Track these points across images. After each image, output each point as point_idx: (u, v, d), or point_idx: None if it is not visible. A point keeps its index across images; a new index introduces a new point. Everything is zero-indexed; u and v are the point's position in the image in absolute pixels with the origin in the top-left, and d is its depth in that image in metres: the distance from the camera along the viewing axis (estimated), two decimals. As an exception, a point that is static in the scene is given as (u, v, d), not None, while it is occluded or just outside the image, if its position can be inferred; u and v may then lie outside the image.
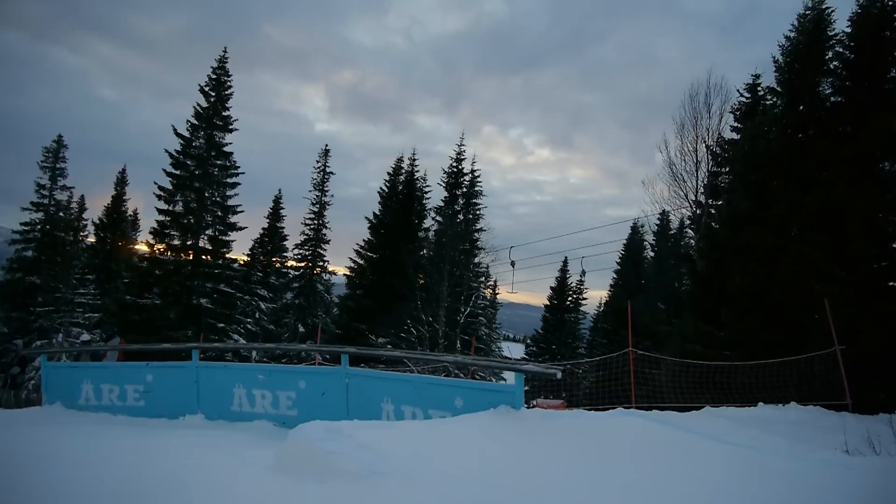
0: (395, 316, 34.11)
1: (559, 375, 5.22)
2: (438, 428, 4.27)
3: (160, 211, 29.42)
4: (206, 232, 29.86)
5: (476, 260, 37.94)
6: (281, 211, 49.59)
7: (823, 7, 17.03)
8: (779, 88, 17.22)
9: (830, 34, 16.75)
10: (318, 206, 50.01)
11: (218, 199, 30.02)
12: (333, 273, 50.41)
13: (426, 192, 39.78)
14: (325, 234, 50.61)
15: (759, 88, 23.05)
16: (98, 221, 43.70)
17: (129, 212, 46.24)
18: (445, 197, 38.80)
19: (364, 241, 39.20)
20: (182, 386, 7.02)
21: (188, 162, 29.45)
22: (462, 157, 39.25)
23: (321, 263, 50.53)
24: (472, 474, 3.53)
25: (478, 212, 38.93)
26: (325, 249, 50.54)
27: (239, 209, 30.83)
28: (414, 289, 35.78)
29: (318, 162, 49.93)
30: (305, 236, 49.79)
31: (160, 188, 29.34)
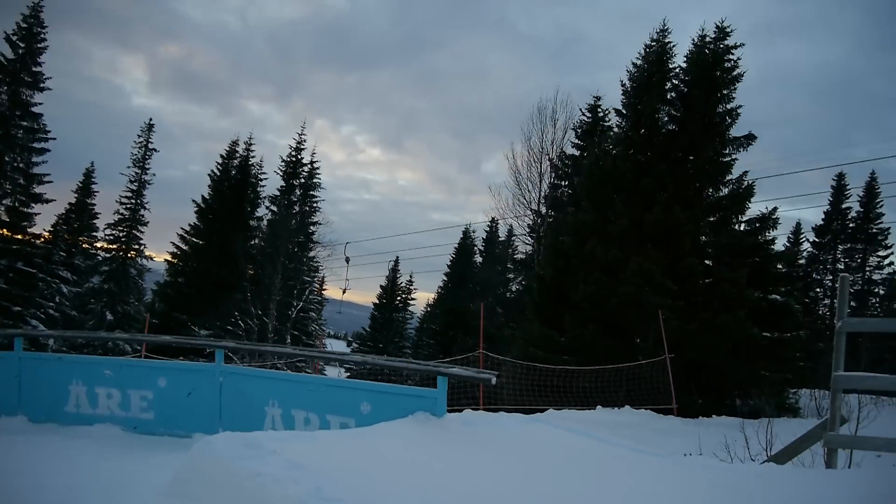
0: (220, 307, 32.20)
1: (494, 381, 4.81)
2: (362, 439, 3.75)
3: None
4: (4, 201, 26.18)
5: (311, 254, 36.82)
6: (93, 186, 44.93)
7: (666, 41, 18.48)
8: (624, 111, 18.41)
9: (671, 67, 18.21)
10: (136, 183, 45.91)
11: (21, 165, 26.43)
12: (150, 258, 46.75)
13: (262, 180, 38.06)
14: (143, 216, 46.73)
15: (599, 109, 24.57)
16: None
17: None
18: (282, 186, 37.32)
19: (190, 225, 36.65)
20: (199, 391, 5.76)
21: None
22: (302, 148, 38.05)
23: (136, 246, 46.59)
24: (423, 497, 3.05)
25: (315, 204, 37.86)
26: (141, 232, 46.71)
27: (46, 178, 27.42)
28: (243, 279, 34.05)
29: (139, 137, 45.71)
30: (120, 216, 45.36)
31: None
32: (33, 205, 27.19)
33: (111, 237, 44.26)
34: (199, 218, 36.44)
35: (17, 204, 26.40)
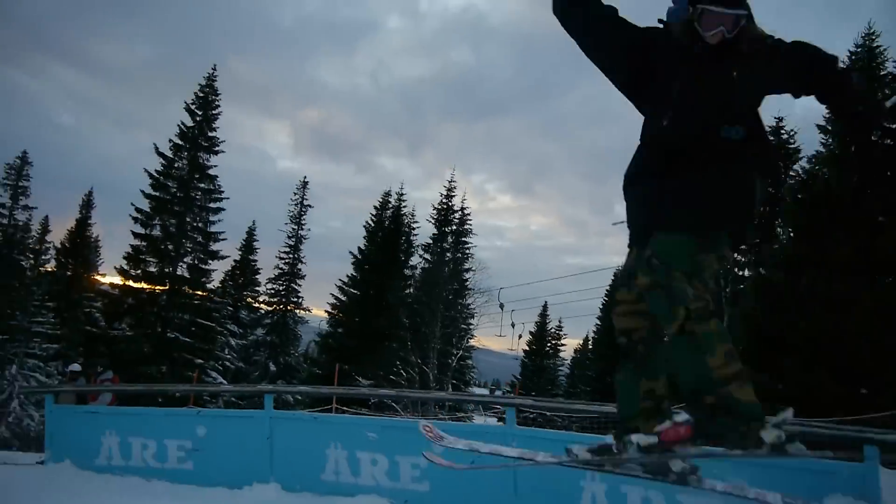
0: (380, 356, 32.26)
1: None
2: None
3: (136, 235, 27.22)
4: (185, 259, 27.69)
5: (467, 301, 36.29)
6: (254, 243, 47.22)
7: (874, 45, 16.32)
8: (829, 126, 16.32)
9: (882, 74, 16.02)
10: (293, 238, 48.02)
11: (199, 224, 27.94)
12: (308, 310, 48.28)
13: (414, 230, 38.29)
14: (300, 269, 48.59)
15: (782, 131, 22.31)
16: (60, 246, 40.86)
17: (93, 238, 43.47)
18: (434, 234, 37.29)
19: (348, 276, 37.31)
20: (248, 443, 5.19)
21: (169, 183, 27.42)
22: (452, 194, 37.97)
23: (295, 299, 48.31)
24: None
25: (467, 250, 37.50)
26: (299, 285, 48.45)
27: (221, 236, 28.81)
28: (401, 328, 34.07)
29: (295, 194, 48.13)
30: (280, 270, 47.58)
31: (137, 210, 27.20)
32: (210, 262, 28.53)
33: (272, 291, 46.34)
34: (356, 269, 37.04)
35: (196, 262, 27.82)
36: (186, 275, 27.50)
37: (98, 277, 42.14)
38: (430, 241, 37.00)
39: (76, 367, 13.79)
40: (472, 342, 37.22)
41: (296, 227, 48.19)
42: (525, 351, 54.66)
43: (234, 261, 44.48)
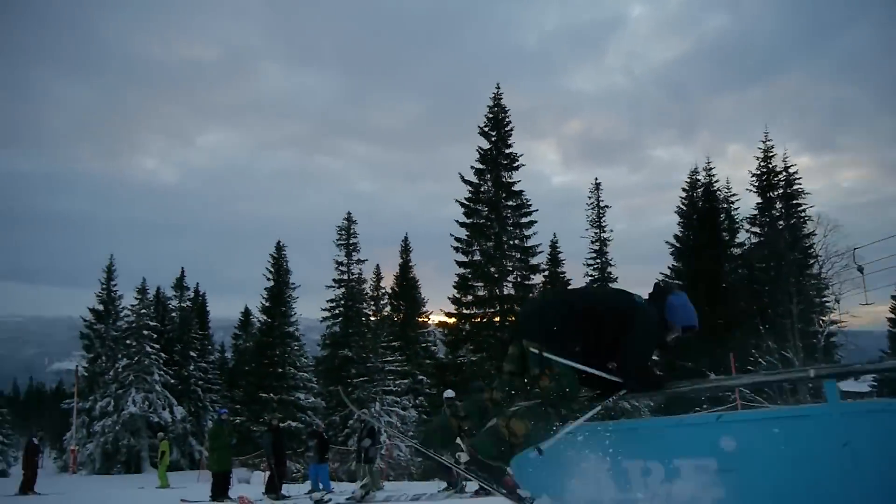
0: (728, 349, 28.99)
1: None
2: None
3: (459, 263, 28.12)
4: (508, 279, 27.79)
5: (815, 270, 31.25)
6: (559, 255, 46.71)
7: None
8: None
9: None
10: (597, 243, 46.66)
11: (516, 241, 27.92)
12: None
13: (734, 203, 34.38)
14: (610, 273, 46.93)
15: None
16: (390, 291, 44.65)
17: (415, 279, 46.74)
18: (759, 203, 32.95)
19: (670, 268, 34.68)
20: (808, 456, 3.57)
21: (479, 208, 27.89)
22: (770, 155, 33.28)
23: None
24: None
25: (802, 213, 32.38)
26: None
27: (538, 249, 28.47)
28: (744, 314, 30.53)
29: (589, 198, 46.85)
30: (590, 277, 46.60)
31: (456, 239, 28.10)
32: (532, 276, 28.32)
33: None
34: (678, 258, 34.29)
35: (519, 278, 27.78)
36: (512, 292, 27.50)
37: (425, 314, 45.19)
38: (755, 213, 32.82)
39: (450, 392, 13.84)
40: (834, 317, 31.68)
41: (597, 230, 46.94)
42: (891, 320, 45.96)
43: (544, 276, 44.65)
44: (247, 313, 61.65)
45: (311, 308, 68.90)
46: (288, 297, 38.77)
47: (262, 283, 39.69)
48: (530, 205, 28.25)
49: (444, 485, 14.27)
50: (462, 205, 28.03)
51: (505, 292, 27.43)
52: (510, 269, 27.74)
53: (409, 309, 44.78)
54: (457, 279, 28.10)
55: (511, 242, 27.86)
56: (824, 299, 31.88)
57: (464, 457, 4.34)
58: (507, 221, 27.72)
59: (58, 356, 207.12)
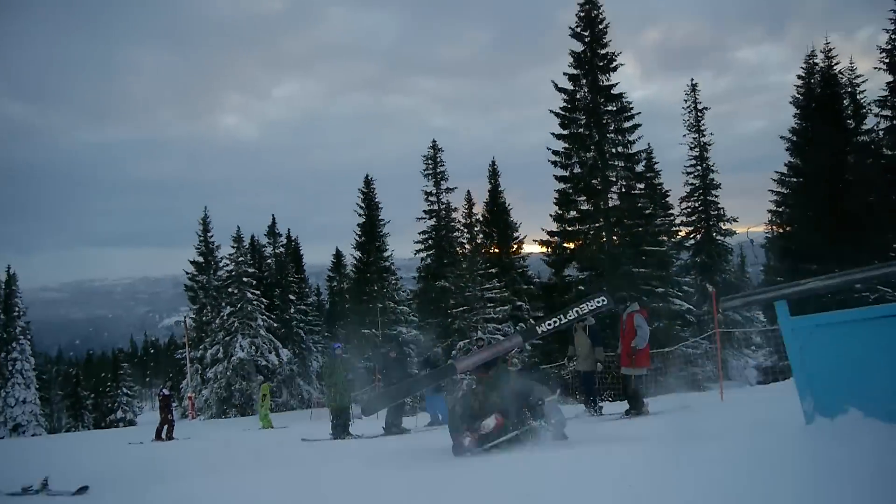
0: (856, 245, 26.42)
1: None
2: None
3: (559, 178, 26.33)
4: (612, 189, 25.87)
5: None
6: (655, 165, 44.01)
7: None
8: None
9: None
10: (696, 148, 43.59)
11: (619, 149, 25.83)
12: (734, 219, 43.39)
13: (859, 86, 30.72)
14: (713, 179, 43.92)
15: None
16: (481, 218, 43.33)
17: (506, 203, 45.13)
18: (889, 82, 29.23)
19: (786, 164, 31.65)
20: None
21: (576, 116, 25.86)
22: (902, 23, 29.18)
23: (715, 212, 43.79)
24: None
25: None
26: (716, 196, 43.81)
27: (642, 156, 26.28)
28: (869, 207, 27.76)
29: (685, 101, 43.55)
30: (691, 186, 43.72)
31: (553, 153, 26.26)
32: (638, 185, 26.31)
33: (688, 210, 42.68)
34: (794, 153, 31.18)
35: (625, 189, 25.82)
36: (618, 203, 25.64)
37: (518, 240, 43.75)
38: (886, 93, 29.20)
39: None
40: None
41: (696, 134, 43.78)
42: None
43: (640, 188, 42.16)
44: (338, 255, 62.10)
45: (402, 248, 68.92)
46: (380, 231, 38.16)
47: (351, 225, 39.20)
48: (631, 107, 25.97)
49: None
50: (557, 115, 26.03)
51: (610, 204, 25.52)
52: (613, 179, 25.73)
53: (502, 235, 43.49)
54: (556, 195, 26.39)
55: (613, 150, 25.77)
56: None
57: None
58: (607, 128, 25.58)
59: (167, 312, 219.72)
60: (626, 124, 25.79)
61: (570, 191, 25.98)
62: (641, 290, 23.98)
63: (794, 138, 30.89)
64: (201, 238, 48.39)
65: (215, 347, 41.50)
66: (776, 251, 31.76)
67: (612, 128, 25.67)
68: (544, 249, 27.11)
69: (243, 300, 41.11)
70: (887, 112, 29.41)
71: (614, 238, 24.61)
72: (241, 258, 42.46)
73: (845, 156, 29.83)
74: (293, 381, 44.64)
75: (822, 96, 30.58)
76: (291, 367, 44.29)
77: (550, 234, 26.48)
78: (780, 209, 31.59)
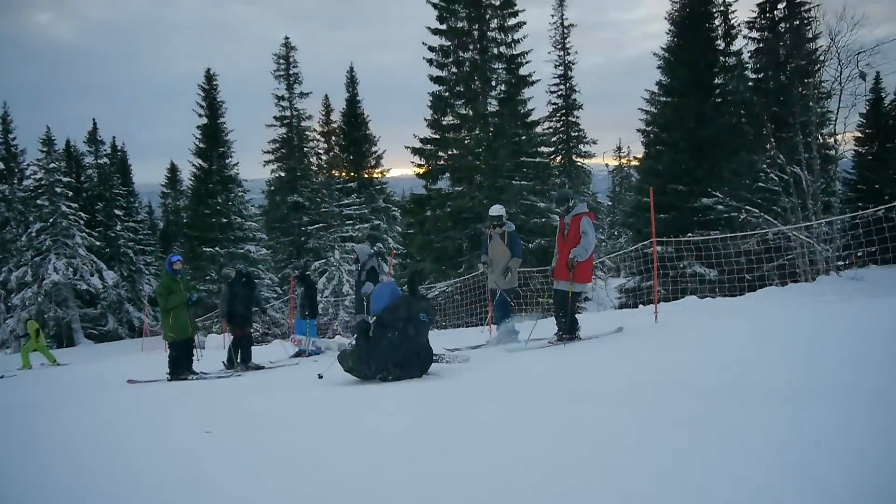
0: (728, 168, 26.48)
1: None
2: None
3: (434, 79, 23.60)
4: (492, 94, 23.62)
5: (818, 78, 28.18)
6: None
7: None
8: None
9: None
10: (561, 66, 42.61)
11: (503, 49, 23.46)
12: (593, 141, 43.34)
13: (731, 5, 30.31)
14: (575, 100, 43.39)
15: None
16: (338, 129, 39.68)
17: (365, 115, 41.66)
18: (760, 3, 29.02)
19: (658, 83, 31.01)
20: None
21: (456, 7, 23.01)
22: (771, -53, 28.96)
23: (576, 132, 43.47)
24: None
25: (807, 13, 28.77)
26: (577, 117, 43.45)
27: (526, 59, 24.12)
28: (734, 128, 28.01)
29: (552, 17, 42.15)
30: (553, 105, 42.81)
31: (430, 49, 23.41)
32: (524, 90, 24.27)
33: (550, 130, 41.86)
34: (666, 71, 30.56)
35: (506, 94, 23.60)
36: (498, 109, 23.49)
37: (376, 153, 40.83)
38: (755, 15, 29.05)
39: (498, 209, 10.19)
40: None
41: (562, 52, 42.72)
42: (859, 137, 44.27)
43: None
44: (173, 169, 55.73)
45: (248, 170, 63.03)
46: (224, 136, 33.45)
47: (188, 143, 33.89)
48: (515, 3, 23.54)
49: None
50: (435, 5, 23.04)
51: (490, 110, 23.31)
52: (494, 84, 23.46)
53: (359, 149, 40.33)
54: (431, 99, 23.71)
55: (495, 51, 23.38)
56: (827, 110, 29.19)
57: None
58: (489, 24, 23.06)
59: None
60: (511, 21, 23.37)
61: (447, 94, 23.38)
62: (521, 204, 22.28)
63: (666, 55, 30.24)
64: (0, 140, 40.67)
65: (22, 269, 35.31)
66: (644, 171, 31.50)
67: (494, 24, 23.16)
68: (415, 162, 24.53)
69: (57, 214, 35.06)
70: (755, 34, 29.42)
71: (494, 147, 22.44)
72: (52, 164, 35.99)
73: (714, 76, 29.70)
74: (121, 306, 39.45)
75: (695, 14, 30.01)
76: (118, 292, 39.02)
77: (423, 140, 23.85)
78: (650, 128, 31.14)
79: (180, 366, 10.29)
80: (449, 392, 5.39)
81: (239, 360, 11.30)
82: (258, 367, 11.19)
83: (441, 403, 4.92)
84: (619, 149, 59.74)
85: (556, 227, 9.23)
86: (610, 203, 56.88)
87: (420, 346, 6.36)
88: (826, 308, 8.34)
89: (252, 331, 11.80)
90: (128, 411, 6.91)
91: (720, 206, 26.20)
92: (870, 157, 39.43)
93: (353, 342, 6.77)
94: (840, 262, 20.54)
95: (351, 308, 28.86)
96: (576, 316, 8.86)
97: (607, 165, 55.60)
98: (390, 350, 6.20)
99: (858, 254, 17.32)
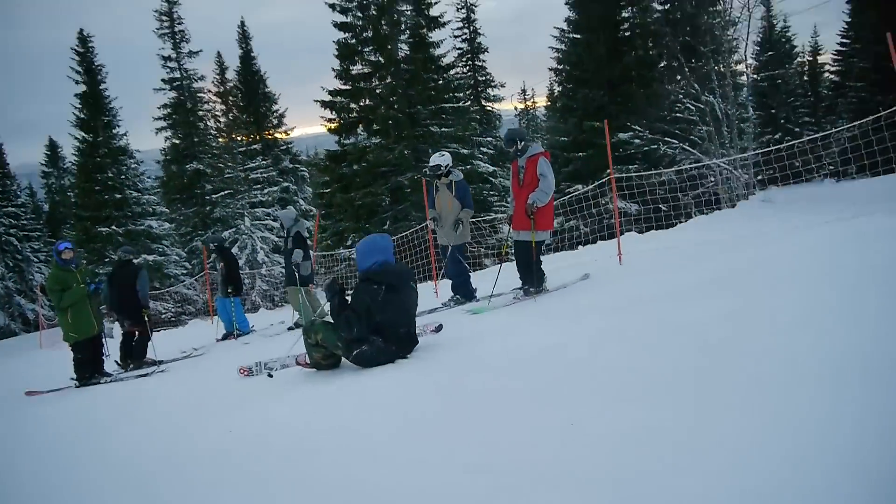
0: (641, 101, 26.32)
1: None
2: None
3: (339, 26, 21.90)
4: (402, 39, 22.20)
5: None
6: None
7: None
8: None
9: None
10: (463, 9, 41.19)
11: (408, -11, 21.97)
12: (501, 85, 42.36)
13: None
14: (480, 43, 42.14)
15: None
16: (234, 88, 36.96)
17: (261, 72, 39.02)
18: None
19: (566, 21, 30.27)
20: None
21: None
22: None
23: (483, 76, 42.41)
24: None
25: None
26: (482, 61, 42.28)
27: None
28: (644, 60, 28.03)
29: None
30: (458, 50, 41.49)
31: (331, -8, 21.66)
32: (432, 32, 22.93)
33: (459, 76, 40.65)
34: (575, 7, 29.85)
35: (416, 38, 22.25)
36: (407, 53, 22.13)
37: (277, 112, 38.63)
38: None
39: (442, 158, 9.16)
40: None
41: (463, -4, 41.26)
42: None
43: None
44: (53, 146, 51.06)
45: (141, 139, 58.37)
46: (107, 104, 30.35)
47: (64, 114, 30.50)
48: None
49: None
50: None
51: (400, 55, 21.92)
52: (403, 27, 22.02)
53: (257, 108, 37.93)
54: (337, 47, 22.05)
55: (402, -9, 21.88)
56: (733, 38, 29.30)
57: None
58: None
59: None
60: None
61: (353, 41, 21.77)
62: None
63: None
64: None
65: None
66: (559, 111, 31.03)
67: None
68: (325, 117, 22.92)
69: (-80, 204, 31.22)
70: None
71: (410, 94, 21.16)
72: None
73: (621, 9, 29.37)
74: (11, 300, 35.98)
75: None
76: (6, 284, 35.51)
77: (333, 93, 22.21)
78: (561, 66, 30.56)
79: (88, 368, 8.81)
80: (445, 378, 4.38)
81: (131, 358, 10.06)
82: (154, 363, 9.85)
83: (444, 394, 3.92)
84: (524, 91, 59.27)
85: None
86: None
87: (412, 319, 5.28)
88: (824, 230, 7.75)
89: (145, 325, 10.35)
90: (34, 438, 5.53)
91: (637, 140, 26.09)
92: (764, 83, 40.67)
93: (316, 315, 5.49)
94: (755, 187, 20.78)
95: (269, 277, 27.37)
96: (542, 267, 8.05)
97: (516, 108, 55.16)
98: (396, 314, 4.95)
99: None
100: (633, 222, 19.28)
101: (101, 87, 30.26)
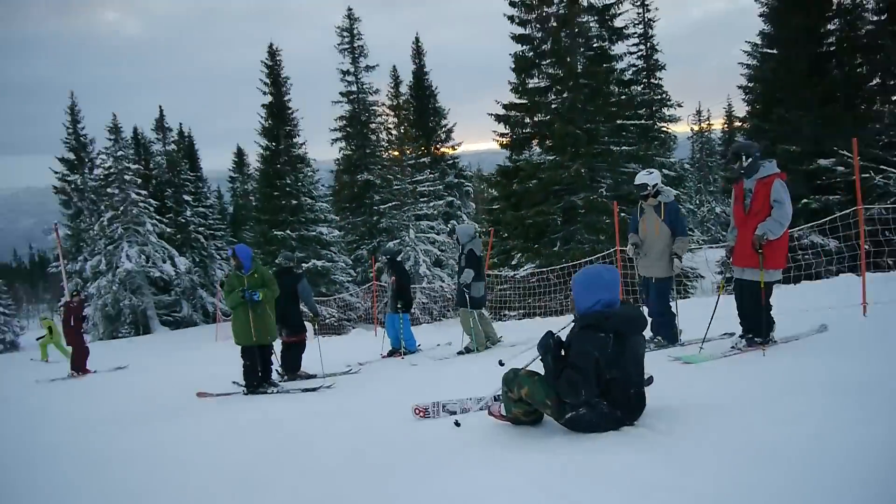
0: (849, 123, 23.44)
1: None
2: None
3: (516, 38, 21.37)
4: (580, 52, 21.20)
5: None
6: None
7: None
8: None
9: None
10: (640, 25, 39.40)
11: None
12: (679, 104, 39.92)
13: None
14: (657, 60, 40.02)
15: None
16: (407, 102, 37.79)
17: (434, 86, 39.59)
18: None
19: (760, 33, 27.81)
20: None
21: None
22: None
23: (659, 95, 40.20)
24: None
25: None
26: (659, 79, 40.07)
27: (620, 9, 21.57)
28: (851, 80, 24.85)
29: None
30: (634, 67, 39.70)
31: (510, 4, 21.18)
32: (615, 44, 21.73)
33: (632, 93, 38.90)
34: (769, 19, 27.32)
35: (597, 51, 21.18)
36: (588, 66, 21.06)
37: (446, 127, 38.97)
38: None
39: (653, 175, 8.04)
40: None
41: (641, 9, 39.50)
42: None
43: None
44: (240, 154, 55.13)
45: (317, 149, 61.89)
46: (290, 113, 32.10)
47: (251, 133, 32.73)
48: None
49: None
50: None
51: (579, 69, 20.91)
52: (583, 40, 21.01)
53: (426, 123, 38.53)
54: (514, 60, 21.51)
55: (584, 2, 20.92)
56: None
57: None
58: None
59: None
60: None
61: (531, 53, 21.11)
62: (622, 172, 19.97)
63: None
64: (70, 130, 40.52)
65: (96, 258, 35.06)
66: (750, 132, 28.52)
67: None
68: (496, 131, 22.43)
69: (127, 202, 34.55)
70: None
71: (590, 109, 20.11)
72: (120, 152, 35.46)
73: (826, 21, 26.41)
74: (195, 292, 38.97)
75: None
76: (191, 278, 38.53)
77: (507, 107, 21.68)
78: (752, 84, 28.06)
79: (253, 376, 8.59)
80: (716, 471, 3.34)
81: (282, 369, 9.85)
82: (308, 376, 9.55)
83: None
84: (699, 112, 55.94)
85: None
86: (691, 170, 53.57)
87: (643, 375, 4.27)
88: None
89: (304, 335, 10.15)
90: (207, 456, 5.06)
91: (841, 168, 23.13)
92: None
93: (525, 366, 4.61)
94: None
95: (429, 290, 27.27)
96: (771, 313, 6.66)
97: (692, 130, 52.13)
98: (627, 370, 3.95)
99: None
100: (829, 262, 16.94)
101: (285, 99, 31.99)
